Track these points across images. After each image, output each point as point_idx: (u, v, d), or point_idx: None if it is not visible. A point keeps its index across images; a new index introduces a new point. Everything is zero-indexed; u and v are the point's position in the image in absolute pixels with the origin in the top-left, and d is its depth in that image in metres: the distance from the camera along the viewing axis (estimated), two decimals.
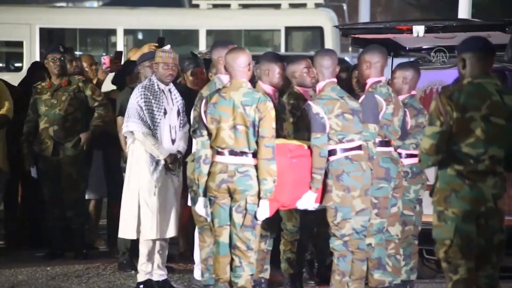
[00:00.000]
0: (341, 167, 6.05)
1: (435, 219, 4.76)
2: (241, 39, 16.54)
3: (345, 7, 19.79)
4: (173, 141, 6.70)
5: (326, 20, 16.46)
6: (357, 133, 6.12)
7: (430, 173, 5.04)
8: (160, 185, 6.64)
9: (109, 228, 8.11)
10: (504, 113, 4.76)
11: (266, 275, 6.39)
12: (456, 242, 4.70)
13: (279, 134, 6.10)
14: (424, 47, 7.47)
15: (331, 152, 6.07)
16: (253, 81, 6.28)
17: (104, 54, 16.39)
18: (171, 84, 6.77)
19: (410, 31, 6.86)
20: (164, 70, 6.67)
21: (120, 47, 16.32)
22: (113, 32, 16.76)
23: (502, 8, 22.54)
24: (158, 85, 6.70)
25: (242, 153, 5.79)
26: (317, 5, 17.02)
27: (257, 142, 5.79)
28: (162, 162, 6.64)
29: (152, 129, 6.63)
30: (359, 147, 6.12)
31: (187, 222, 7.85)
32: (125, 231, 6.72)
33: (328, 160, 6.08)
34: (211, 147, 5.89)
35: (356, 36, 7.26)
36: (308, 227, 6.57)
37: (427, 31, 6.83)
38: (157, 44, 7.85)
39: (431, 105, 4.84)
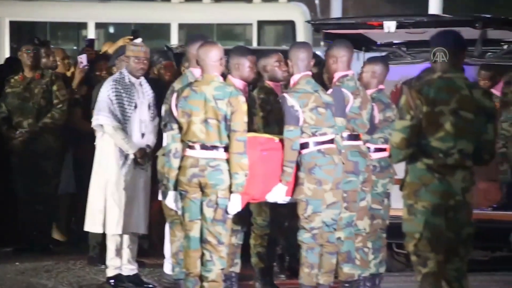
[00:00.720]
0: (313, 160, 6.06)
1: (405, 213, 4.79)
2: (213, 33, 16.50)
3: (317, 1, 19.83)
4: (142, 135, 6.68)
5: (298, 14, 16.46)
6: (329, 127, 6.14)
7: (398, 167, 5.07)
8: (129, 179, 6.62)
9: (78, 223, 8.06)
10: (473, 108, 4.79)
11: (237, 269, 6.39)
12: (426, 235, 4.73)
13: (249, 128, 6.06)
14: (395, 41, 7.51)
15: (304, 145, 6.08)
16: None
17: (75, 47, 16.29)
18: (142, 78, 6.74)
19: (381, 26, 6.89)
20: (135, 63, 6.65)
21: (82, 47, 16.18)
22: (84, 25, 16.65)
23: (473, 3, 22.70)
24: (129, 79, 6.67)
25: (213, 147, 5.78)
26: (289, 0, 17.03)
27: (228, 136, 5.79)
28: (132, 156, 6.61)
29: (122, 122, 6.61)
30: (331, 141, 6.15)
31: (157, 216, 7.85)
32: (91, 224, 6.70)
33: (300, 153, 6.09)
34: (182, 141, 5.88)
35: (328, 31, 7.28)
36: (278, 221, 6.58)
37: (398, 26, 6.86)
38: (132, 37, 7.81)
39: (401, 99, 4.87)
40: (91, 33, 16.39)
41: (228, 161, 5.79)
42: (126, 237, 6.66)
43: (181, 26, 16.64)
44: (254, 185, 5.93)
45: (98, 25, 16.63)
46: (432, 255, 4.75)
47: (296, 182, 6.10)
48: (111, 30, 16.94)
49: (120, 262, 6.66)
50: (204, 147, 5.79)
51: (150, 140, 6.71)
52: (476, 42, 6.87)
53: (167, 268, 6.76)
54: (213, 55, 5.83)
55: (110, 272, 6.67)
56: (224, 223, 5.81)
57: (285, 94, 6.14)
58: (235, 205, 5.81)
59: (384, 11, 24.85)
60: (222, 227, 5.80)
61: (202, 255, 5.82)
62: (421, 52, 7.41)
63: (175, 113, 5.88)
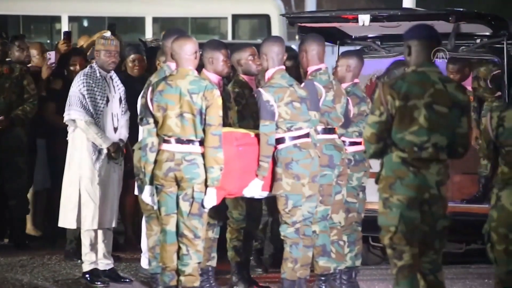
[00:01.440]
0: (290, 155, 6.07)
1: (380, 206, 4.81)
2: (188, 26, 16.46)
3: None
4: (115, 129, 6.66)
5: (273, 8, 16.46)
6: (305, 121, 6.15)
7: (374, 160, 5.10)
8: (103, 174, 6.60)
9: (53, 218, 8.02)
10: (447, 101, 4.82)
11: (213, 263, 6.38)
12: (401, 228, 4.75)
13: (224, 122, 6.07)
14: (370, 35, 7.54)
15: (280, 140, 6.08)
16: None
17: (48, 41, 16.18)
18: (112, 72, 6.71)
19: (355, 20, 6.91)
20: (106, 57, 6.62)
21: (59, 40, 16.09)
22: (57, 19, 16.54)
23: None
24: (99, 73, 6.64)
25: (189, 141, 5.76)
26: None
27: (204, 130, 5.77)
28: (105, 151, 6.59)
29: (95, 117, 6.58)
30: (307, 135, 6.14)
31: (132, 210, 7.83)
32: (65, 220, 6.67)
33: (276, 148, 6.10)
34: (158, 135, 5.87)
35: (303, 24, 7.28)
36: (254, 215, 6.58)
37: (373, 20, 6.88)
38: (108, 31, 7.76)
39: (375, 94, 4.89)
40: (64, 27, 16.29)
41: (203, 155, 5.78)
42: (100, 232, 6.64)
43: (156, 20, 16.58)
44: (230, 180, 5.93)
45: (72, 19, 16.53)
46: (407, 248, 4.77)
47: (274, 178, 6.09)
48: (85, 23, 16.84)
49: (95, 256, 6.64)
50: (179, 141, 5.78)
51: (122, 134, 6.69)
52: (449, 36, 6.91)
53: (144, 262, 6.75)
54: (188, 48, 5.81)
55: (86, 267, 6.65)
56: (200, 217, 5.80)
57: (260, 89, 6.12)
58: (210, 199, 5.81)
59: (358, 5, 24.90)
60: (198, 221, 5.79)
61: (179, 249, 5.82)
62: (395, 46, 7.44)
63: (150, 107, 5.87)
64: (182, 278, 5.79)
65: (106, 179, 6.61)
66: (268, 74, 6.21)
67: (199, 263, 5.82)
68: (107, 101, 6.62)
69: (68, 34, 8.24)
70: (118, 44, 6.71)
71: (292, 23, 7.31)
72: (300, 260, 6.11)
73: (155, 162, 5.82)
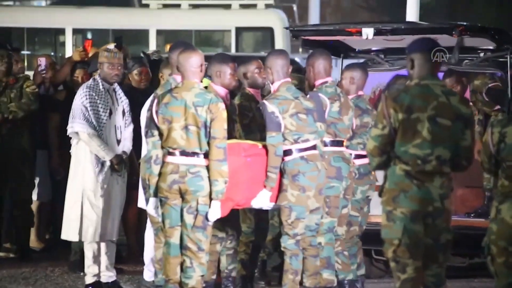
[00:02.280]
0: (297, 167, 6.07)
1: (384, 219, 4.81)
2: (192, 39, 16.49)
3: (295, 8, 19.87)
4: (118, 142, 6.67)
5: (276, 20, 16.50)
6: (311, 133, 6.17)
7: (380, 173, 5.10)
8: (106, 186, 6.59)
9: (55, 230, 8.02)
10: (450, 114, 4.83)
11: (234, 273, 6.37)
12: (404, 241, 4.75)
13: (231, 135, 6.10)
14: (373, 48, 7.55)
15: (287, 152, 6.09)
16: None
17: (52, 53, 16.23)
18: (115, 84, 6.72)
19: (359, 33, 6.92)
20: (109, 70, 6.63)
21: (68, 47, 16.15)
22: (61, 31, 16.59)
23: (448, 9, 22.84)
24: (102, 85, 6.65)
25: (194, 154, 5.76)
26: (267, 6, 17.06)
27: (208, 143, 5.76)
28: (108, 163, 6.59)
29: (98, 129, 6.58)
30: (314, 147, 6.16)
31: (135, 222, 7.82)
32: (68, 233, 6.65)
33: (283, 160, 6.11)
34: (163, 147, 5.87)
35: (306, 37, 7.30)
36: (262, 227, 6.57)
37: (376, 33, 6.89)
38: (115, 44, 7.78)
39: (378, 107, 4.89)
40: (68, 39, 16.34)
41: (208, 167, 5.78)
42: (103, 244, 6.63)
43: (159, 32, 16.63)
44: (238, 191, 5.95)
45: (76, 31, 16.58)
46: (410, 261, 4.77)
47: (280, 189, 6.10)
48: (89, 36, 16.88)
49: (98, 269, 6.64)
50: (184, 153, 5.78)
51: (126, 146, 6.70)
52: (453, 49, 6.92)
53: (147, 275, 6.74)
54: (194, 61, 5.84)
55: (89, 280, 6.64)
56: (204, 229, 5.80)
57: (264, 101, 6.15)
58: (215, 212, 5.80)
59: (362, 18, 24.96)
60: (202, 233, 5.79)
61: (183, 261, 5.81)
62: (398, 59, 7.45)
63: (155, 119, 5.88)
64: None
65: (109, 191, 6.61)
66: (274, 87, 6.23)
67: (202, 275, 5.82)
68: (110, 113, 6.63)
69: (89, 43, 8.19)
70: (121, 56, 6.72)
71: (296, 36, 7.33)
72: (308, 270, 6.12)
73: (160, 174, 5.82)
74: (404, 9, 8.88)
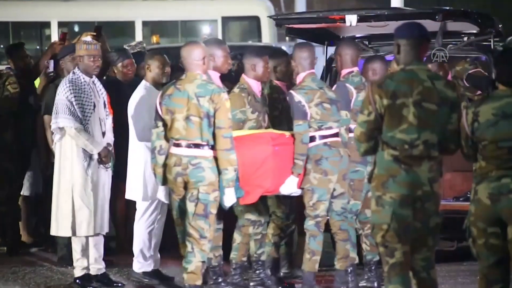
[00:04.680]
0: (320, 152, 6.32)
1: (373, 204, 4.82)
2: (178, 30, 16.46)
3: None
4: (103, 134, 6.64)
5: (263, 9, 16.47)
6: (335, 121, 6.43)
7: None
8: (95, 179, 6.56)
9: (43, 225, 7.99)
10: (436, 99, 4.83)
11: (263, 256, 6.52)
12: (393, 226, 4.76)
13: (260, 125, 6.37)
14: (358, 35, 7.54)
15: (311, 139, 6.33)
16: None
17: (38, 47, 16.15)
18: (94, 76, 6.69)
19: (343, 20, 6.93)
20: (91, 62, 6.58)
21: (54, 40, 16.06)
22: (47, 24, 16.52)
23: None
24: (83, 78, 6.61)
25: (195, 145, 5.91)
26: None
27: (213, 134, 5.88)
28: (96, 156, 6.57)
29: (84, 123, 6.54)
30: (336, 134, 6.41)
31: (123, 214, 7.81)
32: (58, 228, 6.60)
33: (308, 146, 6.29)
34: (167, 138, 6.02)
35: (290, 26, 7.29)
36: (291, 214, 6.73)
37: (360, 20, 6.90)
38: (94, 33, 7.74)
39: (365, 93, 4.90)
40: (54, 32, 16.27)
41: (214, 159, 5.91)
42: (91, 237, 6.61)
43: (145, 24, 16.57)
44: (267, 178, 6.19)
45: (61, 24, 16.50)
46: (399, 245, 4.78)
47: (304, 173, 6.33)
48: (75, 29, 16.81)
49: (87, 262, 6.62)
50: (186, 145, 5.95)
51: (109, 138, 6.68)
52: (436, 34, 6.92)
53: (136, 266, 6.75)
54: (196, 54, 5.98)
55: (78, 273, 6.62)
56: (206, 218, 5.93)
57: (291, 91, 6.39)
58: (229, 199, 5.97)
59: (348, 5, 24.93)
60: (204, 221, 5.93)
61: (185, 247, 5.98)
62: (383, 45, 7.45)
63: (159, 110, 6.03)
64: (184, 275, 5.96)
65: (98, 184, 6.59)
66: (299, 78, 6.43)
67: (203, 262, 5.95)
68: (94, 106, 6.60)
69: (64, 35, 8.18)
70: (100, 48, 6.69)
71: (280, 24, 7.34)
72: (338, 253, 6.37)
73: (166, 165, 5.97)
74: None
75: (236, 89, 6.44)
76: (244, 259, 6.49)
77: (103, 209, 6.62)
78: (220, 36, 16.42)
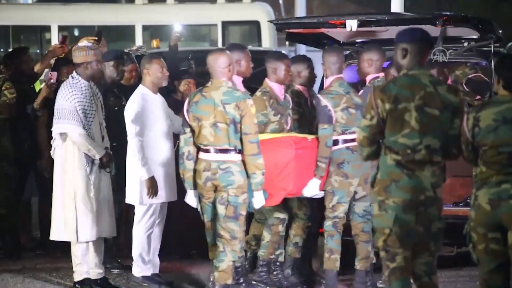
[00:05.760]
0: (342, 156, 6.47)
1: (376, 209, 4.84)
2: None
3: (281, 1, 19.86)
4: (103, 138, 6.65)
5: (263, 14, 16.49)
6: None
7: None
8: (97, 184, 6.56)
9: (41, 228, 7.99)
10: (438, 104, 4.84)
11: (281, 257, 6.65)
12: (395, 231, 4.77)
13: (283, 128, 6.51)
14: (358, 40, 7.55)
15: (334, 142, 6.47)
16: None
17: (38, 51, 16.16)
18: (90, 80, 6.68)
19: (343, 25, 6.93)
20: (98, 67, 6.61)
21: (55, 43, 16.06)
22: (47, 28, 16.52)
23: (435, 2, 22.87)
24: (83, 83, 6.61)
25: (223, 151, 6.05)
26: (253, 0, 17.05)
27: (241, 139, 6.02)
28: (97, 161, 6.57)
29: (86, 128, 6.54)
30: None
31: (124, 219, 7.80)
32: (60, 233, 6.58)
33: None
34: (195, 144, 6.11)
35: (291, 30, 7.30)
36: (314, 216, 6.82)
37: (360, 25, 6.90)
38: (95, 38, 7.75)
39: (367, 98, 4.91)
40: (54, 37, 16.28)
41: (241, 162, 6.04)
42: (90, 242, 6.60)
43: (145, 28, 16.59)
44: (290, 181, 6.33)
45: (61, 28, 16.51)
46: (400, 250, 4.79)
47: (326, 176, 6.47)
48: (75, 33, 16.83)
49: (87, 266, 6.62)
50: (214, 150, 6.08)
51: (107, 142, 6.69)
52: (437, 39, 6.93)
53: (135, 270, 6.74)
54: (221, 61, 6.12)
55: (77, 277, 6.62)
56: (237, 219, 6.05)
57: (318, 95, 6.53)
58: (258, 201, 6.14)
59: (348, 10, 24.96)
60: (235, 223, 6.05)
61: (217, 247, 6.11)
62: (384, 50, 7.44)
63: (186, 117, 6.13)
64: (216, 273, 6.08)
65: (100, 188, 6.58)
66: (326, 82, 6.55)
67: (233, 261, 6.08)
68: (95, 110, 6.60)
69: (64, 38, 8.19)
70: (100, 52, 6.70)
71: (280, 29, 7.35)
72: (359, 254, 6.49)
73: (195, 171, 6.11)
74: (390, 2, 8.87)
75: (258, 93, 6.58)
76: (272, 257, 6.59)
77: (106, 213, 6.61)
78: (220, 41, 16.45)
